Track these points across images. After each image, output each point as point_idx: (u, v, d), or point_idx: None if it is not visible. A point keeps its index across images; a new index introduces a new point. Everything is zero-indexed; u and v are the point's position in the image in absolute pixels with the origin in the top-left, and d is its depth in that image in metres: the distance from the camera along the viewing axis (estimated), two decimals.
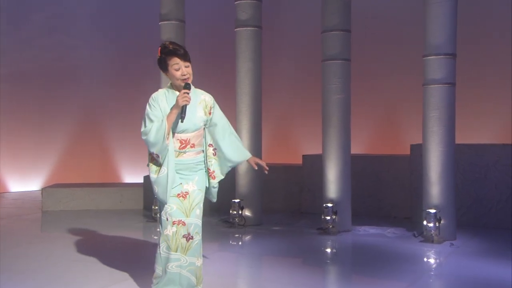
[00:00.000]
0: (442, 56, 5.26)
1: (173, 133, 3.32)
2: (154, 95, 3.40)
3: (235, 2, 6.30)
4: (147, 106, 3.36)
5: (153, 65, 8.77)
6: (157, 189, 3.31)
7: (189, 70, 3.30)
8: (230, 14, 6.71)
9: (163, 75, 6.55)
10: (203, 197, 3.43)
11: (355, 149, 6.50)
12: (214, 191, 3.54)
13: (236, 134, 3.53)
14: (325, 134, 5.92)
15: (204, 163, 3.46)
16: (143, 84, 9.74)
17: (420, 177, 6.16)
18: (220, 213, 6.75)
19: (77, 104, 10.12)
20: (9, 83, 9.74)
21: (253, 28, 6.25)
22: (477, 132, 7.10)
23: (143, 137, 3.28)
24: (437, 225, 5.20)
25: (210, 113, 3.42)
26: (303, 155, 7.60)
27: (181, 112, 3.18)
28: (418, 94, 6.93)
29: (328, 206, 5.75)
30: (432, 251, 5.04)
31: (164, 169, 3.27)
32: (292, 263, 4.87)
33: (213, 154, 3.45)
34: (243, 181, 6.26)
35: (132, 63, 9.96)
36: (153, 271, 3.50)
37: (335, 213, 5.75)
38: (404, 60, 7.78)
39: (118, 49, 10.07)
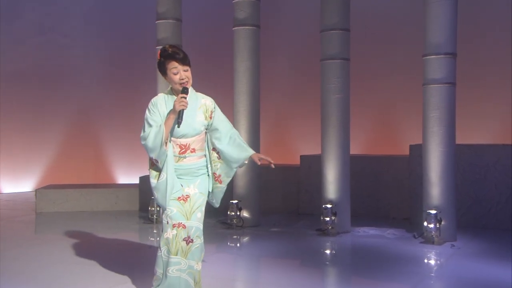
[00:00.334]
0: (442, 56, 5.26)
1: (173, 138, 3.30)
2: (153, 99, 3.39)
3: (233, 1, 6.29)
4: (147, 111, 3.34)
5: (149, 65, 8.78)
6: (157, 195, 3.32)
7: (188, 74, 3.28)
8: (227, 13, 6.70)
9: (160, 77, 6.61)
10: (205, 201, 3.40)
11: (353, 150, 6.48)
12: (220, 195, 3.50)
13: (239, 135, 3.48)
14: (324, 134, 5.91)
15: (207, 168, 3.43)
16: (137, 84, 9.73)
17: (419, 177, 6.18)
18: (217, 215, 6.71)
19: (70, 104, 10.06)
20: (0, 82, 9.66)
21: (251, 27, 6.24)
22: (476, 133, 7.11)
23: (142, 142, 3.27)
24: (438, 226, 5.21)
25: (210, 117, 3.39)
26: (300, 156, 7.59)
27: (177, 117, 3.16)
28: (417, 94, 6.94)
29: (327, 207, 5.74)
30: (433, 253, 5.04)
31: (163, 174, 3.27)
32: (291, 265, 4.86)
33: (217, 158, 3.42)
34: (241, 182, 6.24)
35: (126, 62, 9.92)
36: (153, 273, 3.47)
37: (335, 214, 5.75)
38: (402, 60, 7.79)
39: (112, 48, 10.02)
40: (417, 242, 5.39)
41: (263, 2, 6.43)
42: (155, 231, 6.35)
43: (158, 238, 5.91)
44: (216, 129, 3.37)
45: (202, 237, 3.32)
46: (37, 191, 7.77)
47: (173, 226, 3.26)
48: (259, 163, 3.32)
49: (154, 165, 3.33)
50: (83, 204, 7.71)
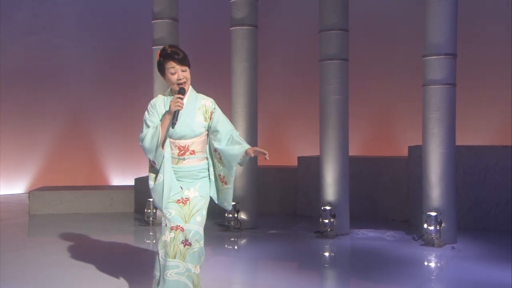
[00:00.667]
0: (442, 56, 5.25)
1: (171, 140, 3.27)
2: (153, 101, 3.37)
3: (231, 1, 6.26)
4: (145, 112, 3.33)
5: (145, 65, 8.72)
6: (154, 197, 3.29)
7: (186, 74, 3.24)
8: (225, 13, 6.66)
9: (157, 77, 6.58)
10: (206, 204, 3.34)
11: (351, 151, 6.45)
12: (228, 197, 3.39)
13: (238, 135, 3.38)
14: (323, 136, 5.88)
15: (208, 171, 3.37)
16: (133, 85, 9.67)
17: (418, 179, 6.17)
18: (214, 216, 6.66)
19: (63, 105, 9.98)
20: None
21: (249, 27, 6.21)
22: (476, 134, 7.11)
23: (140, 144, 3.25)
24: (438, 228, 5.19)
25: (210, 118, 3.34)
26: (298, 157, 7.56)
27: (172, 117, 3.12)
28: (415, 95, 6.94)
29: (326, 209, 5.72)
30: (433, 255, 5.03)
31: (160, 176, 3.24)
32: (289, 268, 4.83)
33: (219, 159, 3.37)
34: (238, 184, 6.20)
35: (121, 63, 9.86)
36: (151, 276, 3.43)
37: (333, 216, 5.72)
38: (401, 60, 7.78)
39: (107, 48, 9.95)
40: (417, 244, 5.37)
41: (260, 1, 6.40)
42: (151, 233, 6.30)
43: (154, 241, 5.92)
44: (216, 131, 3.31)
45: (201, 242, 3.26)
46: (30, 193, 7.70)
47: (171, 229, 3.22)
48: (252, 155, 3.22)
49: (153, 167, 3.30)
50: (77, 206, 7.64)
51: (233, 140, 3.29)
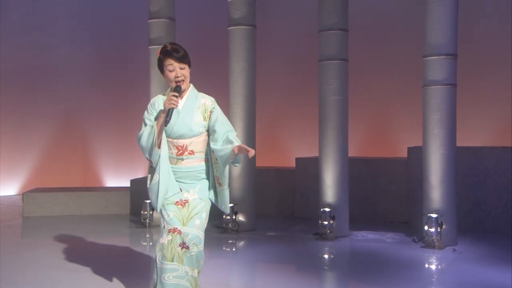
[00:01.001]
0: (443, 57, 5.23)
1: (169, 139, 3.22)
2: (152, 100, 3.34)
3: (228, 0, 6.21)
4: (145, 111, 3.30)
5: (141, 65, 8.64)
6: (150, 196, 3.25)
7: (185, 72, 3.20)
8: (222, 12, 6.61)
9: (154, 77, 6.53)
10: (206, 207, 3.27)
11: (350, 152, 6.42)
12: (224, 199, 3.31)
13: (235, 136, 3.29)
14: (322, 137, 5.85)
15: (208, 173, 3.30)
16: (128, 85, 9.61)
17: (417, 180, 6.15)
18: (212, 218, 6.59)
19: (57, 106, 9.90)
20: None
21: (247, 27, 6.18)
22: (475, 134, 7.09)
23: (138, 142, 3.22)
24: (439, 230, 5.16)
25: (209, 118, 3.29)
26: (296, 158, 7.52)
27: (166, 115, 3.07)
28: (415, 95, 6.92)
29: (326, 211, 5.68)
30: (435, 257, 5.01)
31: (156, 175, 3.19)
32: (288, 270, 4.80)
33: (216, 159, 3.31)
34: (236, 185, 6.16)
35: (116, 63, 9.78)
36: (148, 279, 3.38)
37: (333, 218, 5.68)
38: (399, 61, 7.76)
39: (101, 48, 9.88)
40: (417, 247, 5.35)
41: (258, 1, 6.37)
42: (147, 235, 6.24)
43: (151, 243, 5.87)
44: (214, 131, 3.25)
45: (200, 245, 3.20)
46: (24, 194, 7.62)
47: (169, 231, 3.17)
48: (236, 151, 3.14)
49: (151, 168, 3.26)
50: (72, 208, 7.58)
51: (227, 140, 3.20)
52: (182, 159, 3.21)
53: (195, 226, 3.18)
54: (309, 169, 7.22)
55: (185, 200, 3.21)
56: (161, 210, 3.24)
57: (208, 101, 3.30)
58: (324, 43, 5.82)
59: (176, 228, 3.15)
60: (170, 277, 3.16)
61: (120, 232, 6.45)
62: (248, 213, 6.20)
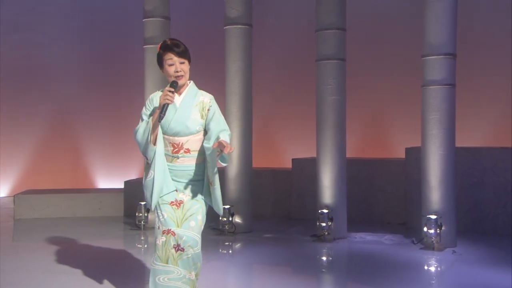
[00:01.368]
0: (442, 56, 5.21)
1: (165, 136, 3.18)
2: (151, 95, 3.31)
3: None
4: (143, 107, 3.27)
5: (135, 65, 8.54)
6: (145, 194, 3.20)
7: (184, 67, 3.16)
8: (218, 11, 6.56)
9: (149, 77, 6.47)
10: (202, 209, 3.22)
11: (347, 153, 6.38)
12: (216, 200, 3.22)
13: (226, 135, 3.19)
14: (320, 137, 5.82)
15: (205, 173, 3.24)
16: (122, 85, 9.52)
17: (415, 181, 6.13)
18: (208, 220, 6.52)
19: (48, 105, 9.79)
20: None
21: (243, 26, 6.14)
22: (473, 135, 7.08)
23: (134, 137, 3.19)
24: (438, 231, 5.14)
25: (207, 116, 3.23)
26: (292, 159, 7.48)
27: (160, 111, 3.03)
28: (413, 96, 6.91)
29: (324, 212, 5.65)
30: (434, 259, 4.99)
31: (151, 172, 3.15)
32: (286, 272, 4.76)
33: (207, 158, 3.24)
34: (233, 186, 6.11)
35: (109, 62, 9.70)
36: (144, 282, 3.33)
37: (331, 219, 5.64)
38: (397, 61, 7.73)
39: (94, 47, 9.79)
40: (416, 248, 5.33)
41: (255, 0, 6.31)
42: (142, 237, 6.18)
43: (146, 245, 5.82)
44: (208, 129, 3.20)
45: (196, 248, 3.16)
46: (15, 196, 7.54)
47: (163, 232, 3.13)
48: (215, 146, 3.03)
49: (147, 164, 3.22)
50: (64, 210, 7.50)
51: (217, 139, 3.14)
52: (178, 157, 3.17)
53: (190, 228, 3.13)
54: (306, 170, 7.18)
55: (180, 200, 3.17)
56: (156, 210, 3.20)
57: (206, 98, 3.25)
58: (321, 42, 5.79)
59: (170, 229, 3.11)
60: (165, 279, 3.13)
61: (114, 235, 6.39)
62: (244, 214, 6.15)
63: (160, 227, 3.15)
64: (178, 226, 3.12)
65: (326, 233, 5.66)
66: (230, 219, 6.00)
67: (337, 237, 5.73)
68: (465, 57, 6.12)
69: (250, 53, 6.21)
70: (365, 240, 5.83)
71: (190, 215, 3.15)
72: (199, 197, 3.22)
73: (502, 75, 7.12)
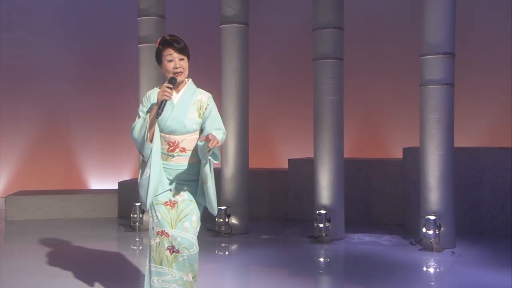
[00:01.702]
0: (441, 56, 5.20)
1: (162, 134, 3.14)
2: (148, 92, 3.27)
3: None
4: (140, 104, 3.24)
5: (129, 64, 8.44)
6: (140, 192, 3.16)
7: (183, 64, 3.12)
8: (214, 9, 6.52)
9: (143, 77, 6.41)
10: (196, 210, 3.18)
11: (344, 153, 6.36)
12: (210, 199, 3.16)
13: (220, 132, 3.17)
14: (317, 137, 5.79)
15: (200, 175, 3.19)
16: (115, 85, 9.44)
17: (413, 182, 6.12)
18: (204, 221, 6.49)
19: (39, 105, 9.69)
20: None
21: (239, 25, 6.11)
22: (471, 135, 7.07)
23: (131, 134, 3.16)
24: (437, 232, 5.12)
25: (203, 114, 3.19)
26: (289, 159, 7.45)
27: (158, 107, 2.99)
28: (410, 95, 6.90)
29: (321, 213, 5.63)
30: (433, 260, 4.98)
31: (147, 170, 3.11)
32: (283, 274, 4.75)
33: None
34: (229, 187, 6.08)
35: (103, 62, 9.61)
36: (140, 285, 3.28)
37: (329, 220, 5.61)
38: (395, 60, 7.71)
39: (87, 46, 9.69)
40: (415, 249, 5.32)
41: None
42: (137, 239, 6.13)
43: (141, 247, 5.77)
44: (204, 127, 3.16)
45: (191, 249, 3.12)
46: (7, 197, 7.49)
47: (157, 233, 3.11)
48: (202, 139, 3.01)
49: (143, 163, 3.18)
50: (57, 212, 7.46)
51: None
52: (173, 156, 3.13)
53: (184, 229, 3.10)
54: (302, 170, 7.16)
55: (175, 201, 3.13)
56: (150, 210, 3.16)
57: (204, 97, 3.22)
58: (319, 41, 5.77)
59: (164, 230, 3.08)
60: (159, 281, 3.11)
61: (108, 236, 6.35)
62: (241, 215, 6.12)
63: (154, 228, 3.12)
64: (172, 227, 3.09)
65: (324, 234, 5.63)
66: (227, 220, 5.97)
67: (334, 238, 5.72)
68: (464, 56, 6.11)
69: (247, 53, 6.18)
70: (363, 241, 5.81)
71: (184, 216, 3.12)
72: (193, 197, 3.19)
73: (501, 75, 7.12)
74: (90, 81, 9.74)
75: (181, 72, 3.10)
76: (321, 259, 5.31)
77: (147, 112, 3.12)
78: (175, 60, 3.08)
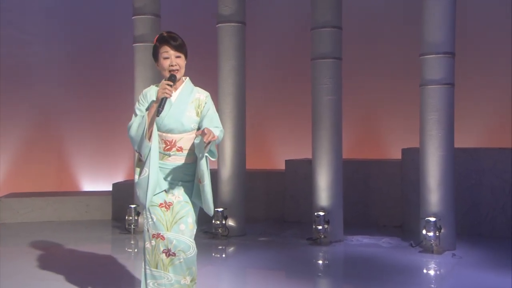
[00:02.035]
0: (441, 55, 5.18)
1: (158, 132, 3.10)
2: (144, 90, 3.23)
3: None
4: (136, 102, 3.19)
5: (124, 64, 8.35)
6: (138, 192, 3.11)
7: (180, 61, 3.09)
8: (210, 8, 6.47)
9: (138, 76, 6.36)
10: (191, 211, 3.14)
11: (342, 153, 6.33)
12: (206, 199, 3.11)
13: (218, 130, 3.13)
14: (316, 138, 5.76)
15: (196, 175, 3.16)
16: (109, 85, 9.36)
17: (412, 183, 6.10)
18: (201, 223, 6.44)
19: (30, 106, 9.60)
20: None
21: (236, 24, 6.08)
22: (471, 135, 7.05)
23: (128, 133, 3.11)
24: (437, 234, 5.10)
25: (201, 113, 3.15)
26: (286, 160, 7.41)
27: (158, 105, 2.95)
28: (409, 96, 6.88)
29: (320, 215, 5.59)
30: (434, 263, 4.96)
31: (145, 170, 3.06)
32: (282, 277, 4.72)
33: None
34: (226, 188, 6.03)
35: (96, 61, 9.53)
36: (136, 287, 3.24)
37: (327, 222, 5.57)
38: (393, 60, 7.68)
39: (80, 45, 9.61)
40: (415, 251, 5.30)
41: None
42: (132, 241, 6.08)
43: (136, 250, 5.71)
44: (201, 126, 3.13)
45: (188, 252, 3.08)
46: None
47: (152, 236, 3.08)
48: (198, 133, 2.97)
49: (140, 161, 3.13)
50: (50, 214, 7.39)
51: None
52: (169, 155, 3.09)
53: (180, 232, 3.06)
54: (300, 171, 7.12)
55: (170, 202, 3.09)
56: (145, 212, 3.12)
57: (202, 95, 3.19)
58: (317, 41, 5.75)
59: (160, 233, 3.04)
60: (155, 284, 3.07)
61: (103, 239, 6.30)
62: (238, 217, 6.08)
63: (150, 230, 3.08)
64: (167, 230, 3.05)
65: (323, 236, 5.60)
66: (224, 222, 5.91)
67: (333, 240, 5.69)
68: (464, 56, 6.08)
69: (244, 52, 6.14)
70: (362, 243, 5.79)
71: (180, 218, 3.08)
72: (189, 199, 3.15)
73: (501, 75, 7.11)
74: (84, 81, 9.66)
75: (177, 70, 3.06)
76: (320, 262, 5.28)
77: (146, 109, 3.07)
78: (171, 58, 3.05)
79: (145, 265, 3.10)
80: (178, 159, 3.10)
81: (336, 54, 5.74)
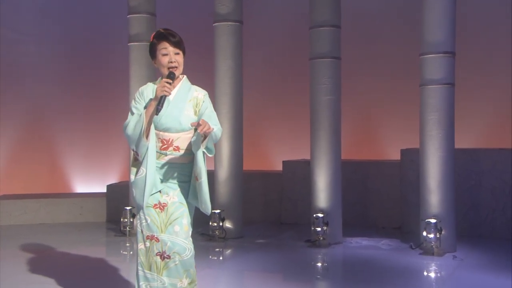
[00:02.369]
0: (441, 55, 5.17)
1: (156, 131, 3.06)
2: (141, 88, 3.19)
3: None
4: (132, 100, 3.17)
5: (118, 64, 8.29)
6: (135, 192, 3.07)
7: (179, 58, 3.06)
8: (207, 7, 6.43)
9: (133, 76, 6.31)
10: (186, 212, 3.10)
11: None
12: (203, 197, 3.06)
13: (216, 128, 3.07)
14: (314, 139, 5.74)
15: (192, 173, 3.12)
16: (103, 85, 9.30)
17: (411, 184, 6.09)
18: (197, 225, 6.40)
19: (22, 106, 9.53)
20: None
21: (233, 23, 6.06)
22: (470, 136, 7.04)
23: (124, 132, 3.07)
24: (438, 236, 5.07)
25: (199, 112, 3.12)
26: (283, 161, 7.39)
27: (157, 103, 2.93)
28: (406, 95, 6.86)
29: (319, 217, 5.57)
30: (435, 265, 4.95)
31: (142, 169, 3.03)
32: (280, 280, 4.70)
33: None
34: (223, 190, 6.00)
35: (90, 61, 9.47)
36: None
37: (326, 224, 5.54)
38: (394, 60, 7.65)
39: (74, 45, 9.54)
40: (415, 253, 5.28)
41: None
42: (127, 244, 6.05)
43: (131, 252, 5.68)
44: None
45: (184, 254, 3.04)
46: None
47: (146, 237, 3.04)
48: (194, 124, 2.94)
49: (137, 160, 3.10)
50: (43, 216, 7.35)
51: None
52: (166, 154, 3.06)
53: (174, 233, 3.02)
54: (297, 172, 7.10)
55: (164, 203, 3.05)
56: (139, 213, 3.08)
57: (200, 94, 3.16)
58: (315, 40, 5.73)
59: (154, 235, 3.01)
60: (148, 286, 3.04)
61: (97, 241, 6.26)
62: (235, 219, 6.05)
63: (144, 232, 3.04)
64: (161, 232, 3.01)
65: (321, 238, 5.57)
66: (221, 224, 5.88)
67: (332, 242, 5.67)
68: (464, 56, 6.07)
69: (241, 51, 6.12)
70: (361, 245, 5.77)
71: (174, 220, 3.04)
72: (184, 200, 3.11)
73: (501, 75, 7.10)
74: (77, 81, 9.59)
75: (176, 66, 3.03)
76: (319, 264, 5.26)
77: (145, 107, 3.04)
78: (170, 54, 3.02)
79: (138, 267, 3.06)
80: (174, 159, 3.07)
81: (334, 54, 5.72)
